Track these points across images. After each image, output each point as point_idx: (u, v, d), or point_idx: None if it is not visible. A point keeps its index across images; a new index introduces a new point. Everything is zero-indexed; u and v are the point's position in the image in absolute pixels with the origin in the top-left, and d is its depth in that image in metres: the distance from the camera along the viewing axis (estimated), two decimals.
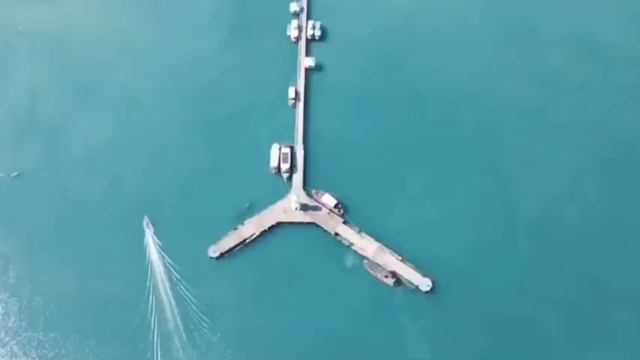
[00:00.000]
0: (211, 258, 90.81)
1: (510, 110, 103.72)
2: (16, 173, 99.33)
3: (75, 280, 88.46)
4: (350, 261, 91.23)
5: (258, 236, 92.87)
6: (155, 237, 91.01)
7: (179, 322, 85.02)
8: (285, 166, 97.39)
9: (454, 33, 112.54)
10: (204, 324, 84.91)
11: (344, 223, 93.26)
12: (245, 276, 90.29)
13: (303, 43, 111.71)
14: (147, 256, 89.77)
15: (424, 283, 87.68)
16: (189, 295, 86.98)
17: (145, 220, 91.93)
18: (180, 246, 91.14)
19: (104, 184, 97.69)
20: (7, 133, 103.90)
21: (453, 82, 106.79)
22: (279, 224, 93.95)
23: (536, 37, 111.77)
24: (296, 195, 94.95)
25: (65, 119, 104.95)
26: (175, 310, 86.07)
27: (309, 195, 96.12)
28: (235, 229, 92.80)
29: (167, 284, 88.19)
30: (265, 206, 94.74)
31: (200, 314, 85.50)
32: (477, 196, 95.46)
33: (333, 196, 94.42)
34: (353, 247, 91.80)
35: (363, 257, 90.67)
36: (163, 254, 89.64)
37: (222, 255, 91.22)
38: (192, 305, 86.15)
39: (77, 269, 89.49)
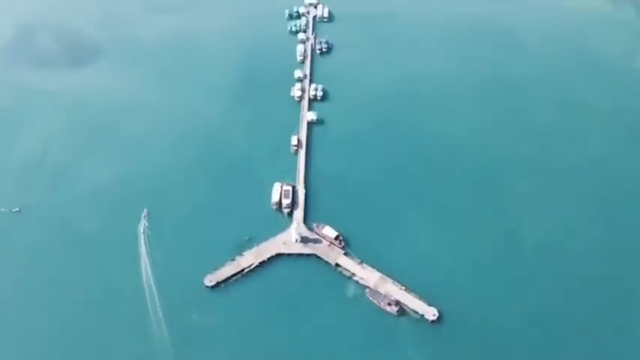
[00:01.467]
0: (207, 287, 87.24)
1: (505, 155, 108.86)
2: (17, 209, 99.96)
3: (71, 312, 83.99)
4: (351, 291, 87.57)
5: (256, 266, 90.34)
6: (147, 231, 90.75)
7: (170, 349, 78.97)
8: (286, 202, 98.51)
9: (447, 93, 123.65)
10: (197, 353, 78.77)
11: (345, 254, 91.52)
12: (242, 305, 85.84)
13: (305, 102, 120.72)
14: (142, 279, 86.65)
15: (430, 312, 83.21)
16: (183, 324, 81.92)
17: (144, 213, 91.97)
18: (176, 274, 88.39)
19: (105, 217, 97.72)
20: (15, 171, 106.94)
21: (448, 133, 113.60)
22: (279, 255, 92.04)
23: (527, 95, 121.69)
24: (296, 227, 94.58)
25: (74, 162, 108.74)
26: (167, 338, 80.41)
27: (310, 229, 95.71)
28: (233, 259, 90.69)
29: (160, 312, 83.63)
30: (265, 239, 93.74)
31: (194, 343, 79.71)
32: (477, 228, 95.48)
33: (333, 228, 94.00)
34: (354, 278, 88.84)
35: (365, 287, 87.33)
36: (151, 275, 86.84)
37: (218, 284, 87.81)
38: (186, 333, 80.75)
39: (73, 300, 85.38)
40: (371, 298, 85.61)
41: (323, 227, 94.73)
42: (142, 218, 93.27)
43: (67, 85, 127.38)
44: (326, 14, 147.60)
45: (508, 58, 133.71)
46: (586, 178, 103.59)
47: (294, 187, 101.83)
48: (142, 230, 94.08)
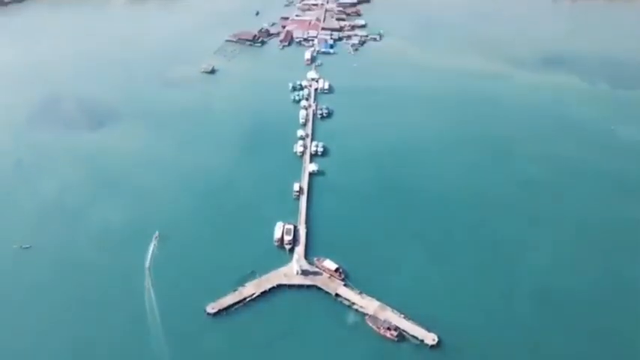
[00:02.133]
0: (209, 314, 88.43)
1: (493, 200, 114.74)
2: (28, 245, 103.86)
3: (75, 346, 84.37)
4: (351, 318, 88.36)
5: (258, 296, 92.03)
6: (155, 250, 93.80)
7: None
8: (287, 238, 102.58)
9: (437, 149, 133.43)
10: None
11: (344, 285, 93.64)
12: (243, 333, 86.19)
13: (307, 156, 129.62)
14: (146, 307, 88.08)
15: (429, 338, 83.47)
16: (184, 348, 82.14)
17: (155, 235, 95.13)
18: (178, 302, 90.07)
19: (112, 254, 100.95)
20: (31, 213, 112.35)
21: (439, 181, 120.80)
22: (280, 286, 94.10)
23: (511, 152, 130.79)
24: (297, 260, 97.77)
25: (86, 206, 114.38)
26: None
27: (310, 262, 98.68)
28: (235, 290, 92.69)
29: (162, 337, 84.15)
30: (267, 272, 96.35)
31: None
32: (472, 262, 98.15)
33: (333, 261, 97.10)
34: (354, 306, 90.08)
35: (365, 314, 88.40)
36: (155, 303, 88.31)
37: (220, 312, 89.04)
38: (187, 359, 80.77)
39: (77, 335, 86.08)
40: (370, 324, 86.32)
41: (323, 260, 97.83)
42: (153, 239, 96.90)
43: (85, 143, 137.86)
44: (326, 86, 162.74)
45: (492, 121, 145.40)
46: (569, 223, 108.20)
47: (295, 227, 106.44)
48: (147, 265, 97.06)
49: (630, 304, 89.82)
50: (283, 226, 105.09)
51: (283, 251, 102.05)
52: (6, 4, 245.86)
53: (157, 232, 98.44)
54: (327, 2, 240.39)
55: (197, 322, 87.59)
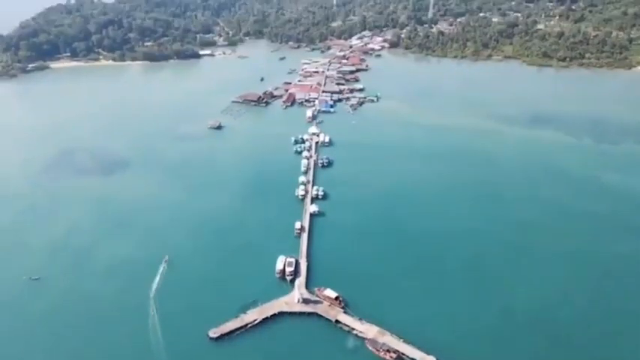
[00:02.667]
0: (211, 338, 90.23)
1: (486, 238, 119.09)
2: (37, 277, 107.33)
3: None
4: (351, 342, 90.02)
5: (259, 322, 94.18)
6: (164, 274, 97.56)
7: None
8: (289, 270, 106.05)
9: (430, 194, 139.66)
10: None
11: (344, 313, 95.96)
12: (244, 358, 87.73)
13: (308, 199, 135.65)
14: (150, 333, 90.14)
15: (427, 358, 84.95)
16: None
17: (165, 258, 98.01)
18: (182, 327, 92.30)
19: (118, 286, 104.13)
20: (41, 248, 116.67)
21: (433, 221, 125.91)
22: (281, 314, 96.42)
23: (502, 196, 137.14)
24: (299, 287, 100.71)
25: (94, 243, 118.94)
26: None
27: (311, 292, 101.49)
28: (237, 316, 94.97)
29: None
30: (269, 301, 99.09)
31: None
32: (468, 291, 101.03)
33: (333, 290, 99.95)
34: (354, 332, 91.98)
35: (364, 338, 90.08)
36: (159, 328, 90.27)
37: (222, 336, 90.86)
38: None
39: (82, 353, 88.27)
40: (370, 348, 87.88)
41: (324, 290, 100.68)
42: (163, 262, 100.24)
43: (97, 187, 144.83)
44: (327, 140, 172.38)
45: (484, 170, 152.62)
46: (558, 257, 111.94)
47: (296, 260, 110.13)
48: (152, 295, 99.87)
49: (618, 330, 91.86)
50: (285, 260, 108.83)
51: (285, 282, 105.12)
52: (28, 71, 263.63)
53: (166, 256, 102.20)
54: (328, 69, 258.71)
55: (199, 346, 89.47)
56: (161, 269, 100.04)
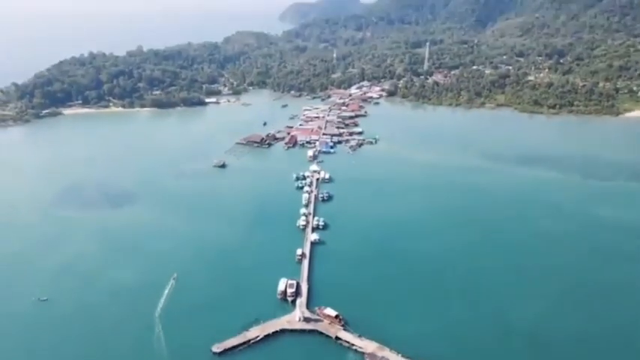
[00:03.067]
0: (214, 353, 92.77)
1: (483, 262, 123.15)
2: (45, 298, 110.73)
3: None
4: (351, 358, 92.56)
5: (261, 339, 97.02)
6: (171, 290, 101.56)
7: None
8: (290, 291, 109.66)
9: (426, 224, 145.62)
10: None
11: (344, 330, 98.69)
12: None
13: (309, 229, 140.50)
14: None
15: None
16: None
17: (174, 276, 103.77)
18: (187, 342, 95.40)
19: (126, 305, 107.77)
20: (50, 272, 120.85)
21: (428, 247, 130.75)
22: (283, 331, 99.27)
23: (496, 226, 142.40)
24: (300, 306, 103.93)
25: (101, 267, 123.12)
26: None
27: (312, 311, 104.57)
28: (240, 333, 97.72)
29: None
30: (271, 319, 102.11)
31: None
32: (465, 310, 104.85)
33: (333, 309, 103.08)
34: (353, 347, 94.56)
35: (364, 353, 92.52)
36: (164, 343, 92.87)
37: (224, 351, 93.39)
38: None
39: None
40: None
41: (324, 309, 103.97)
42: (172, 279, 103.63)
43: (105, 218, 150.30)
44: (327, 177, 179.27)
45: (478, 203, 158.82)
46: (551, 279, 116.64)
47: (297, 282, 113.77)
48: (157, 313, 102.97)
49: (608, 347, 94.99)
50: (286, 282, 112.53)
51: (286, 303, 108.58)
52: (41, 117, 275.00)
53: (175, 274, 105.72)
54: (328, 115, 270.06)
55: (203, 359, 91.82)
56: (169, 286, 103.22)
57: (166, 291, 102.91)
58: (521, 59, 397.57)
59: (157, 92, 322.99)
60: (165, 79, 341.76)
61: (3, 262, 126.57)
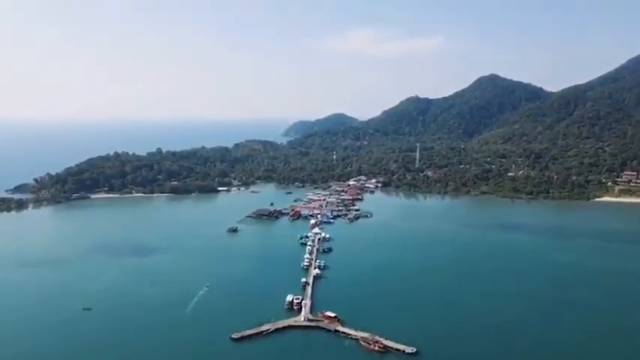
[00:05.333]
0: (233, 339, 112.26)
1: (459, 288, 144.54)
2: (89, 308, 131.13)
3: None
4: (347, 342, 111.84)
5: (272, 332, 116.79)
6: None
7: None
8: (296, 302, 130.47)
9: (417, 266, 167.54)
10: None
11: (342, 326, 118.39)
12: (259, 353, 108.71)
13: (312, 267, 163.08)
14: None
15: (409, 349, 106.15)
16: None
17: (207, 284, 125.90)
18: (211, 330, 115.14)
19: (158, 315, 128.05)
20: (91, 288, 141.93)
21: (419, 279, 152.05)
22: (290, 327, 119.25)
23: (474, 268, 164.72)
24: (305, 307, 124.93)
25: (134, 288, 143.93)
26: None
27: (315, 315, 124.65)
28: (254, 327, 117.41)
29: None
30: (280, 320, 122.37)
31: None
32: (447, 311, 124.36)
33: (333, 312, 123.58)
34: (350, 336, 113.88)
35: (358, 339, 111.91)
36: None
37: (242, 338, 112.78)
38: None
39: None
40: (362, 343, 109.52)
41: (325, 312, 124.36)
42: (204, 287, 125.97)
43: (134, 261, 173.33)
44: (327, 236, 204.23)
45: (456, 251, 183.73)
46: (517, 296, 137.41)
47: (302, 298, 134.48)
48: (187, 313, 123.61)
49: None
50: (293, 296, 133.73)
51: (293, 311, 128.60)
52: (71, 200, 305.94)
53: (208, 283, 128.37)
54: (329, 197, 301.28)
55: (224, 344, 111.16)
56: (201, 292, 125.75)
57: (196, 299, 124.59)
58: (504, 160, 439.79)
59: (175, 182, 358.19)
60: (182, 172, 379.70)
61: (52, 285, 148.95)
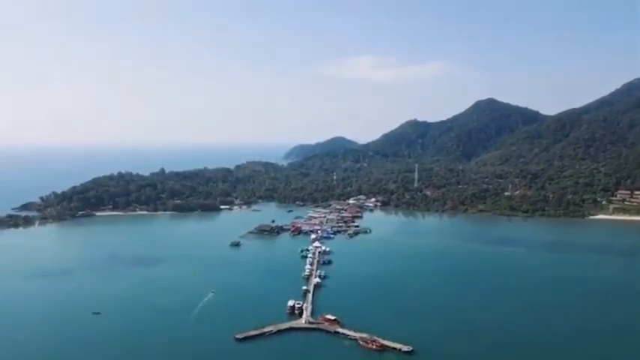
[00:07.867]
0: (237, 339, 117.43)
1: (456, 293, 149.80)
2: (99, 312, 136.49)
3: None
4: (346, 342, 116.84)
5: (275, 333, 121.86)
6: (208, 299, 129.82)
7: None
8: (297, 306, 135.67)
9: (416, 275, 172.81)
10: None
11: (342, 327, 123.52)
12: (262, 353, 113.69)
13: (312, 277, 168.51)
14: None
15: (405, 347, 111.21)
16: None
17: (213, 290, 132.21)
18: (217, 330, 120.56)
19: (164, 318, 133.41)
20: (100, 297, 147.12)
21: (413, 286, 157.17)
22: (292, 328, 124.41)
23: (471, 279, 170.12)
24: (306, 309, 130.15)
25: (142, 296, 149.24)
26: None
27: (315, 318, 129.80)
28: (257, 328, 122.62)
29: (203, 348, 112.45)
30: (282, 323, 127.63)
31: None
32: (444, 314, 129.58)
33: (333, 315, 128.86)
34: (349, 336, 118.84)
35: (356, 339, 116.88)
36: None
37: (245, 338, 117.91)
38: None
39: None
40: (361, 343, 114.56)
41: (325, 315, 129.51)
42: (210, 293, 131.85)
43: (141, 269, 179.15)
44: (327, 250, 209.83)
45: (453, 262, 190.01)
46: (510, 306, 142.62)
47: (303, 304, 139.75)
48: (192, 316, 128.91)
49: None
50: (294, 301, 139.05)
51: (294, 315, 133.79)
52: (76, 217, 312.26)
53: (214, 289, 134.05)
54: (329, 215, 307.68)
55: (228, 343, 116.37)
56: (207, 297, 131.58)
57: (201, 304, 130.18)
58: (501, 180, 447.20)
59: (178, 201, 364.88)
60: (184, 191, 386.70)
61: (62, 293, 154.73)
